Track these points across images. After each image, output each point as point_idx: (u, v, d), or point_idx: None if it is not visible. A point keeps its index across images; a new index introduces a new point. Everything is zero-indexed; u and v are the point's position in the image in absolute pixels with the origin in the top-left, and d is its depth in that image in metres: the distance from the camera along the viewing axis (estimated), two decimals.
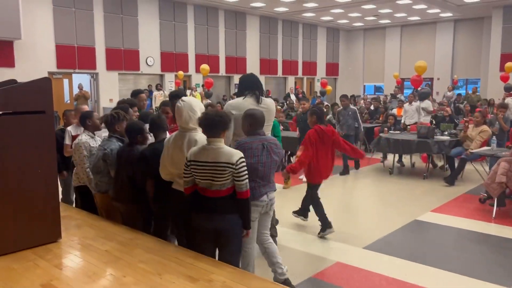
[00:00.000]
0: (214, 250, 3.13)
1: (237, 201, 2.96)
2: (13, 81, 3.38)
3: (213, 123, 2.90)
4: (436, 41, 22.15)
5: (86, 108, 4.62)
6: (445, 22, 21.62)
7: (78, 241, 3.12)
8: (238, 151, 2.96)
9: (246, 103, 3.61)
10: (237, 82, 19.15)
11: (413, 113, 9.54)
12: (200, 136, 3.15)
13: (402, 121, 9.77)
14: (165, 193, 3.38)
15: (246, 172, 2.93)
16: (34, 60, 12.89)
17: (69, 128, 4.89)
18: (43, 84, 3.00)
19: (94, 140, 4.05)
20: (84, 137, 4.04)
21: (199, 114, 3.14)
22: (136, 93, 5.34)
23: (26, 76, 12.60)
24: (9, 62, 12.36)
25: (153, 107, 14.06)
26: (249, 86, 3.72)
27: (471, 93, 14.37)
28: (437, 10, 19.00)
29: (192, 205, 3.04)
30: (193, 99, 3.33)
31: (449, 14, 19.97)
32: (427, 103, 9.40)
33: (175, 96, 4.59)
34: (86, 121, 4.11)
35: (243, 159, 2.91)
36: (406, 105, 9.89)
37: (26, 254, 2.86)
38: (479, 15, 19.76)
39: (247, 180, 2.93)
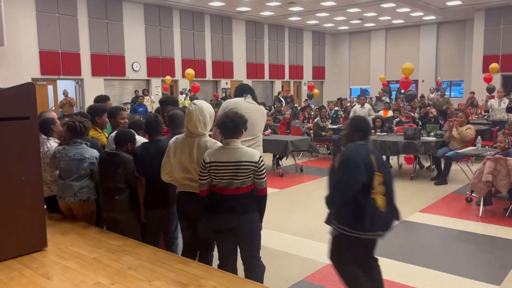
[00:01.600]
0: (235, 249, 3.15)
1: (257, 197, 3.09)
2: None
3: (233, 125, 3.00)
4: (420, 43, 22.46)
5: (54, 115, 4.34)
6: (429, 25, 21.95)
7: (64, 249, 3.06)
8: (257, 151, 3.09)
9: (244, 102, 3.99)
10: (224, 87, 19.23)
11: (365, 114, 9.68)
12: (210, 142, 3.16)
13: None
14: (164, 197, 3.49)
15: (265, 170, 3.07)
16: (18, 67, 12.71)
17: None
18: (27, 89, 2.96)
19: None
20: (54, 144, 3.86)
21: (208, 119, 3.18)
22: (101, 100, 5.19)
23: (9, 83, 12.41)
24: None
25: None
26: (247, 90, 4.13)
27: (438, 97, 13.56)
28: (421, 13, 19.28)
29: (209, 207, 3.08)
30: (204, 103, 3.29)
31: (432, 17, 20.28)
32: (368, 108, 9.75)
33: (164, 102, 4.55)
34: (51, 128, 3.93)
35: (263, 158, 3.06)
36: (357, 108, 9.86)
37: (10, 264, 2.79)
38: (461, 17, 20.11)
39: (266, 178, 3.09)
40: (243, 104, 3.90)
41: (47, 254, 2.96)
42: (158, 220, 3.60)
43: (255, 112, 4.09)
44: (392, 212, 3.02)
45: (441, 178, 7.65)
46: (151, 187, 3.53)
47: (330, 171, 3.04)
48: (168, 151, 3.27)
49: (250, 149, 3.06)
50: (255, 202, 3.08)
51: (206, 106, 3.24)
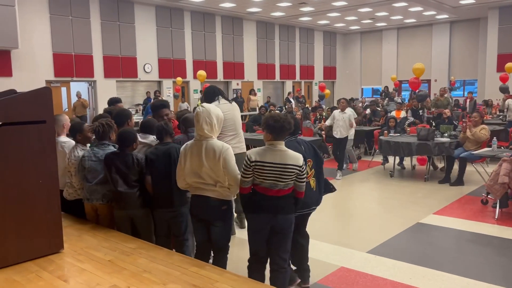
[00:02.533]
0: (266, 249, 3.22)
1: (295, 199, 3.18)
2: (12, 91, 3.37)
3: (282, 126, 3.06)
4: (432, 42, 22.23)
5: (66, 118, 4.34)
6: (441, 24, 21.71)
7: (80, 251, 3.08)
8: (301, 155, 3.14)
9: (221, 105, 4.33)
10: (236, 87, 19.25)
11: (343, 123, 8.18)
12: (217, 144, 3.18)
13: (327, 123, 8.77)
14: (172, 198, 3.53)
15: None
16: (32, 69, 12.87)
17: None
18: (43, 93, 2.98)
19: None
20: (81, 152, 3.83)
21: (215, 121, 3.19)
22: (115, 102, 5.30)
23: (23, 85, 12.55)
24: (6, 71, 12.34)
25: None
26: (217, 92, 4.64)
27: (439, 96, 12.14)
28: (433, 12, 19.08)
29: (250, 205, 3.17)
30: (213, 106, 3.31)
31: (445, 16, 20.06)
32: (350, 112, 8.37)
33: (158, 107, 4.56)
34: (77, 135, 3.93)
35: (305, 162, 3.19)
36: (336, 112, 8.36)
37: (28, 266, 2.83)
38: (475, 16, 19.85)
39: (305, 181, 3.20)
40: (221, 108, 3.72)
41: (64, 256, 2.99)
42: (167, 221, 3.63)
43: (233, 111, 4.67)
44: (321, 190, 3.73)
45: (457, 179, 7.57)
46: (158, 188, 3.56)
47: None
48: (180, 157, 3.31)
49: (295, 153, 3.11)
50: (294, 203, 3.19)
51: (213, 109, 3.24)
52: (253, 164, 3.06)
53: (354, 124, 8.39)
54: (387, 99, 16.83)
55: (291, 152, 3.10)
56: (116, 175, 3.56)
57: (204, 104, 3.28)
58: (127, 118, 4.23)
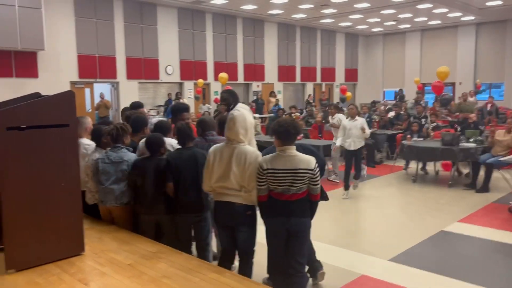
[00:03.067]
0: (284, 252, 3.22)
1: (311, 203, 3.19)
2: (37, 94, 3.42)
3: (286, 131, 3.07)
4: (457, 45, 21.74)
5: (89, 121, 4.33)
6: (467, 26, 21.21)
7: (101, 254, 3.10)
8: (312, 158, 3.14)
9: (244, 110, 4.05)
10: (256, 89, 19.23)
11: (356, 132, 6.99)
12: (249, 150, 3.20)
13: (337, 143, 7.31)
14: (195, 203, 3.55)
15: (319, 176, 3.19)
16: (57, 71, 13.13)
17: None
18: (67, 97, 3.02)
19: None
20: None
21: (249, 126, 3.24)
22: (137, 106, 5.33)
23: (49, 86, 12.87)
24: (32, 72, 12.63)
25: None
26: (236, 98, 4.29)
27: (462, 101, 12.00)
28: (459, 14, 18.66)
29: (266, 210, 3.20)
30: (246, 111, 3.31)
31: (471, 18, 19.59)
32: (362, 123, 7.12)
33: (180, 110, 4.54)
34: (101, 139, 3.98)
35: (317, 164, 3.18)
36: (345, 121, 7.25)
37: (49, 268, 2.86)
38: (502, 18, 19.32)
39: (320, 184, 3.19)
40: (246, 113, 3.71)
41: (85, 259, 3.01)
42: (189, 226, 3.63)
43: (250, 113, 4.37)
44: None
45: (483, 186, 7.37)
46: (183, 193, 3.55)
47: None
48: (208, 160, 3.29)
49: (306, 156, 3.13)
50: (309, 207, 3.19)
51: (248, 114, 3.29)
52: (265, 172, 3.08)
53: (369, 131, 7.22)
54: (411, 102, 16.49)
55: (302, 156, 3.12)
56: (147, 180, 3.57)
57: (239, 107, 3.26)
58: (143, 125, 4.26)
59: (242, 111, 3.27)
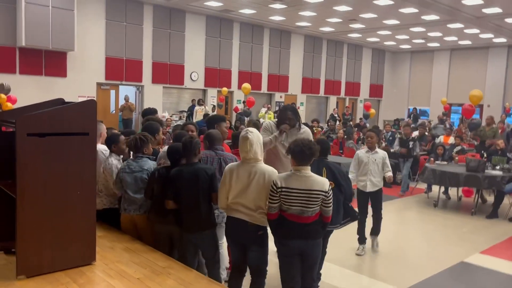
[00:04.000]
0: (299, 274, 3.23)
1: (322, 224, 3.20)
2: (60, 100, 3.44)
3: (301, 151, 3.09)
4: (487, 66, 21.26)
5: (103, 128, 4.34)
6: (498, 48, 20.74)
7: (111, 265, 3.07)
8: (326, 180, 3.17)
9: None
10: (278, 100, 19.19)
11: (375, 168, 5.30)
12: (268, 169, 3.21)
13: (352, 179, 4.98)
14: (199, 221, 3.43)
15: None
16: (85, 71, 13.40)
17: None
18: (88, 106, 3.02)
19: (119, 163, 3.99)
20: (114, 161, 3.94)
21: (262, 145, 3.26)
22: (147, 113, 5.31)
23: (76, 86, 13.14)
24: (61, 72, 12.91)
25: (194, 121, 14.18)
26: (299, 118, 4.55)
27: (484, 126, 10.61)
28: (490, 35, 18.27)
29: (280, 231, 3.18)
30: (255, 130, 3.32)
31: (503, 40, 19.15)
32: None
33: (215, 120, 4.52)
34: (112, 146, 4.00)
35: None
36: (361, 153, 5.50)
37: (59, 277, 2.84)
38: None
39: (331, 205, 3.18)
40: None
41: (95, 269, 2.99)
42: (195, 244, 3.50)
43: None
44: (339, 212, 3.79)
45: (491, 213, 7.12)
46: (186, 212, 3.43)
47: None
48: (224, 178, 3.27)
49: (320, 177, 3.16)
50: (321, 227, 3.21)
51: (259, 133, 3.31)
52: (280, 190, 3.07)
53: (391, 173, 5.39)
54: (435, 121, 16.16)
55: (316, 177, 3.14)
56: (163, 189, 3.52)
57: (251, 129, 3.28)
58: (155, 132, 4.25)
59: (256, 132, 3.27)
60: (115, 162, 3.91)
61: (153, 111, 5.42)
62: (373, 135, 5.48)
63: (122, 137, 4.04)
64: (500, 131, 10.50)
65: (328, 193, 3.09)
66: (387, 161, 5.42)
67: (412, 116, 19.28)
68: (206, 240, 3.49)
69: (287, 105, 4.92)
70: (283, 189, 3.06)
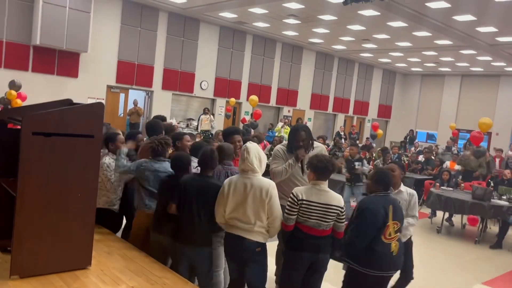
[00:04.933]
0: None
1: (334, 239, 3.25)
2: (68, 101, 3.44)
3: (327, 169, 3.21)
4: (498, 94, 21.16)
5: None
6: (510, 76, 20.67)
7: (106, 271, 3.03)
8: (340, 196, 3.27)
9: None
10: (286, 114, 19.17)
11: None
12: (265, 181, 3.16)
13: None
14: (196, 235, 3.34)
15: None
16: (96, 73, 13.47)
17: None
18: (96, 108, 3.01)
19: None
20: (109, 160, 4.03)
21: (262, 157, 3.23)
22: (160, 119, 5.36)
23: (86, 87, 13.22)
24: (73, 72, 13.00)
25: (199, 130, 14.19)
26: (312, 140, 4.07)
27: (468, 153, 9.51)
28: (503, 64, 18.21)
29: (292, 243, 3.20)
30: (256, 144, 3.30)
31: None
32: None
33: (230, 133, 4.32)
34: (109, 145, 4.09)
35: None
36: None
37: (53, 279, 2.80)
38: None
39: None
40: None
41: (89, 274, 2.94)
42: (189, 258, 3.37)
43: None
44: (402, 253, 3.49)
45: (495, 243, 6.99)
46: (185, 222, 3.34)
47: (351, 216, 3.33)
48: (223, 191, 3.20)
49: (336, 194, 3.24)
50: (331, 243, 3.26)
51: (257, 146, 3.29)
52: (300, 202, 3.13)
53: (413, 223, 4.08)
54: (443, 148, 16.06)
55: (333, 193, 3.24)
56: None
57: (249, 143, 3.25)
58: (157, 132, 4.36)
59: (255, 144, 3.25)
60: (108, 161, 3.97)
61: (161, 118, 5.45)
62: (395, 167, 4.12)
63: (121, 136, 4.06)
64: (499, 160, 10.00)
65: (343, 209, 3.21)
66: (414, 202, 4.07)
67: (408, 138, 19.25)
68: (201, 256, 3.35)
69: (299, 124, 4.52)
70: (304, 202, 3.13)
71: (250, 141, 3.30)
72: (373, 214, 3.18)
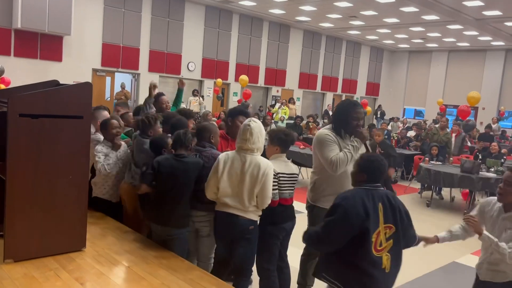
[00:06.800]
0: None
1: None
2: (55, 82, 3.36)
3: (293, 141, 3.51)
4: (484, 69, 21.33)
5: (106, 114, 4.21)
6: (496, 51, 20.80)
7: (101, 252, 3.02)
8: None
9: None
10: (275, 94, 19.11)
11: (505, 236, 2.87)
12: (263, 161, 3.12)
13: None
14: (172, 216, 3.24)
15: None
16: (81, 57, 13.22)
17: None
18: (84, 88, 2.95)
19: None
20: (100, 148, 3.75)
21: (263, 137, 3.20)
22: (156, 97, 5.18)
23: (71, 71, 12.93)
24: (57, 56, 12.72)
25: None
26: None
27: (437, 127, 9.30)
28: (489, 38, 18.30)
29: (277, 218, 3.30)
30: (260, 122, 3.19)
31: (501, 43, 19.20)
32: None
33: (237, 113, 3.91)
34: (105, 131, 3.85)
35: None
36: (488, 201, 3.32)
37: (48, 262, 2.78)
38: None
39: None
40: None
41: (84, 256, 2.93)
42: (163, 241, 3.26)
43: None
44: (397, 268, 2.74)
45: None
46: (161, 203, 3.24)
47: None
48: (217, 166, 3.12)
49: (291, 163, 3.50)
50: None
51: (261, 125, 3.20)
52: (277, 176, 3.24)
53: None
54: (431, 122, 16.21)
55: (291, 162, 3.50)
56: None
57: (254, 119, 3.16)
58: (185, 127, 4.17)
59: (258, 123, 3.15)
60: (100, 149, 3.69)
61: (185, 114, 5.31)
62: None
63: (114, 121, 3.89)
64: (455, 134, 9.65)
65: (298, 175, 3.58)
66: None
67: (379, 112, 19.78)
68: (173, 239, 3.23)
69: (351, 100, 3.67)
70: (280, 175, 3.29)
71: (252, 119, 3.17)
72: (345, 213, 2.45)
